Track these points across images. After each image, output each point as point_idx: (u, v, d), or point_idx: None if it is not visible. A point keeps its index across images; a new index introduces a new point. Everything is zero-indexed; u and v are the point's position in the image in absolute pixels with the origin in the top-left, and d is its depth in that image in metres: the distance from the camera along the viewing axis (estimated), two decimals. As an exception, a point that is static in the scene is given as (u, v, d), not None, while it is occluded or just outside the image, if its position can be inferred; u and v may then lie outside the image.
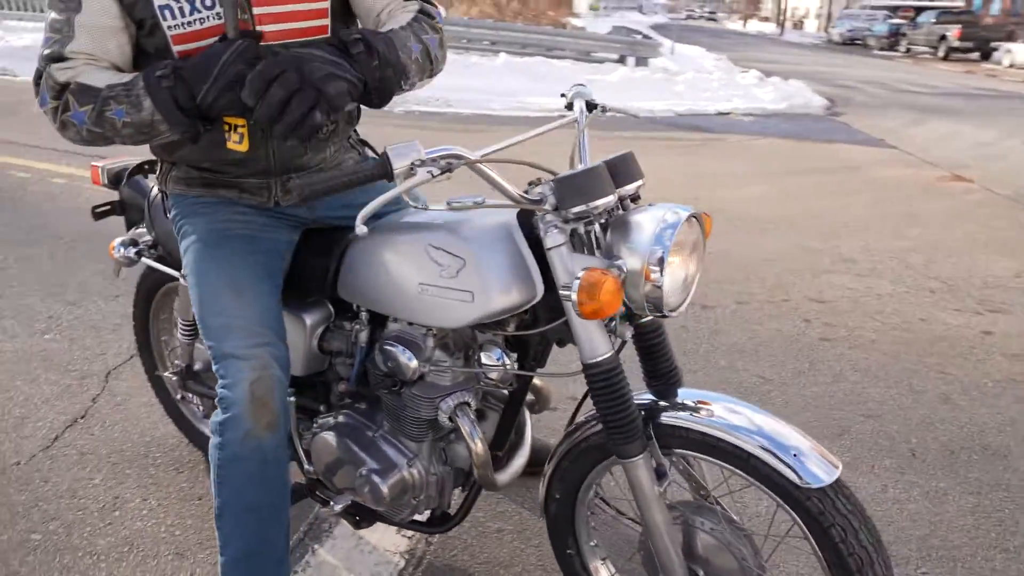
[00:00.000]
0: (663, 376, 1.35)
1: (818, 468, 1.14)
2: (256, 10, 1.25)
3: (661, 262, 1.11)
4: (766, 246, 4.34)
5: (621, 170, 1.21)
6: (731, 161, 6.86)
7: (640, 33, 17.83)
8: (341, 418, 1.56)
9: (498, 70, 10.39)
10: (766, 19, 58.32)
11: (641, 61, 13.23)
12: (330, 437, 1.53)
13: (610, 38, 14.03)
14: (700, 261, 1.23)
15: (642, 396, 1.33)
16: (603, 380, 1.21)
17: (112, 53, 1.24)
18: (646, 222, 1.15)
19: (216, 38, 1.18)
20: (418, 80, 1.28)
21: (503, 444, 1.51)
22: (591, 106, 1.48)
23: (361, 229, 0.99)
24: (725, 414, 1.23)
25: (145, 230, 1.89)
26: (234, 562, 1.35)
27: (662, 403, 1.30)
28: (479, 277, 1.26)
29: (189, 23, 1.23)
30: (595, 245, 1.18)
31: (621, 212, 1.20)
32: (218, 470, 1.31)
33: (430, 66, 1.30)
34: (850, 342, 3.09)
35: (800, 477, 1.12)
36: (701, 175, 6.14)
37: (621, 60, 13.17)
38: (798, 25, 52.27)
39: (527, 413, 1.66)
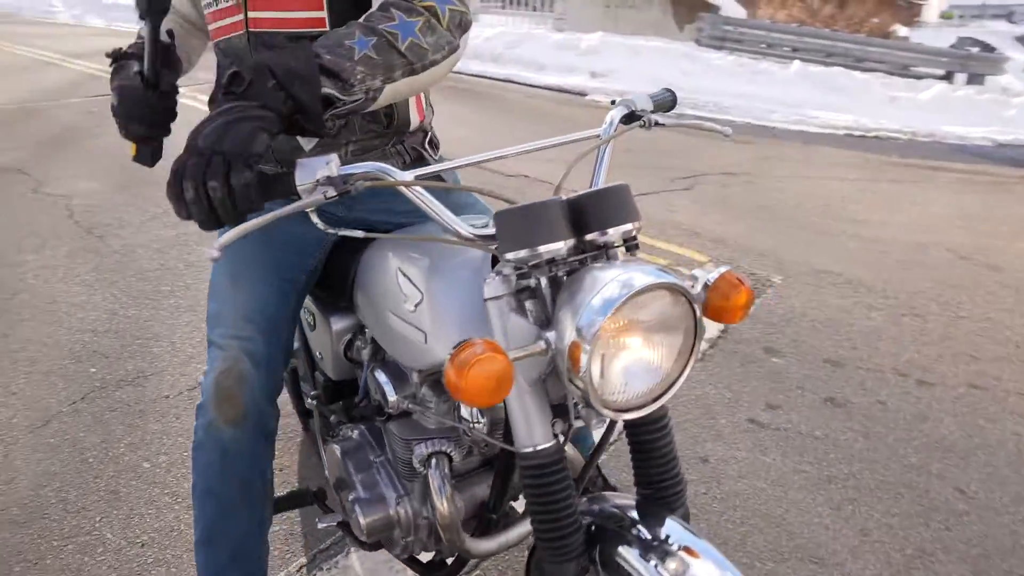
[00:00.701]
0: (653, 486, 1.04)
1: None
2: None
3: (594, 340, 0.84)
4: (1050, 322, 3.40)
5: (594, 209, 0.94)
6: (1052, 208, 5.52)
7: (984, 45, 15.18)
8: (354, 434, 1.48)
9: (789, 79, 9.54)
10: None
11: (975, 78, 11.24)
12: (336, 451, 1.46)
13: (935, 50, 12.13)
14: (689, 353, 0.93)
15: (605, 503, 1.05)
16: (534, 478, 0.97)
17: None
18: (598, 283, 0.88)
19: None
20: (384, 84, 1.03)
21: (498, 506, 1.31)
22: (632, 117, 1.20)
23: (211, 254, 0.87)
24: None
25: None
26: (198, 543, 1.36)
27: (626, 521, 1.01)
28: (432, 317, 1.09)
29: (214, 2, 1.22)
30: (547, 306, 0.94)
31: (586, 265, 0.94)
32: (192, 450, 1.32)
33: (405, 58, 1.04)
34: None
35: None
36: (1000, 219, 5.02)
37: (947, 77, 11.35)
38: None
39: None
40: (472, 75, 9.53)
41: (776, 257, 3.78)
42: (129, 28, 13.94)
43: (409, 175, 1.01)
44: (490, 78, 9.36)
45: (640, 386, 0.91)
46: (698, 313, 0.92)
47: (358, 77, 0.99)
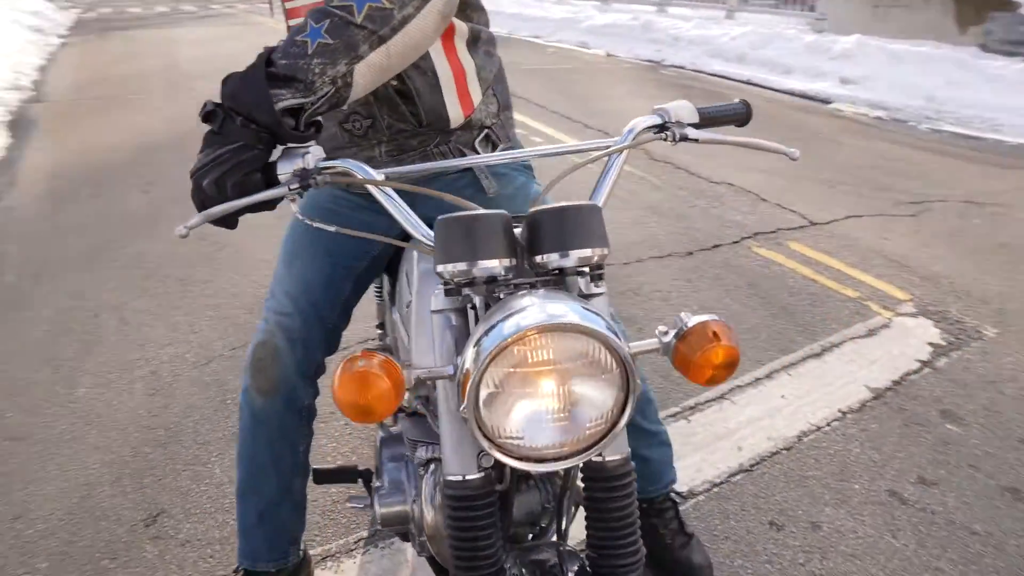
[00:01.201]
0: (600, 550, 0.92)
1: None
2: None
3: (480, 374, 0.75)
4: None
5: (551, 228, 0.84)
6: None
7: None
8: (399, 424, 1.49)
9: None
10: None
11: None
12: (377, 437, 1.48)
13: None
14: (621, 410, 0.80)
15: (541, 555, 0.94)
16: (453, 509, 0.90)
17: None
18: (505, 312, 0.78)
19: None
20: (367, 50, 0.97)
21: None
22: (660, 127, 1.04)
23: (179, 231, 0.92)
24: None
25: None
26: (236, 495, 1.47)
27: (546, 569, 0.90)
28: (415, 321, 1.06)
29: None
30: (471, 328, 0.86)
31: (525, 290, 0.84)
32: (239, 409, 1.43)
33: (365, 29, 0.96)
34: None
35: None
36: None
37: None
38: None
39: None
40: (710, 74, 9.13)
41: (999, 306, 3.17)
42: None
43: (380, 175, 0.99)
44: (729, 79, 8.90)
45: (548, 436, 0.80)
46: (630, 366, 0.78)
47: (316, 71, 0.94)
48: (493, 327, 0.77)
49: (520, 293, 0.83)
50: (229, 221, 0.99)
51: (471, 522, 0.89)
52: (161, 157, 5.30)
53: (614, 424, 0.81)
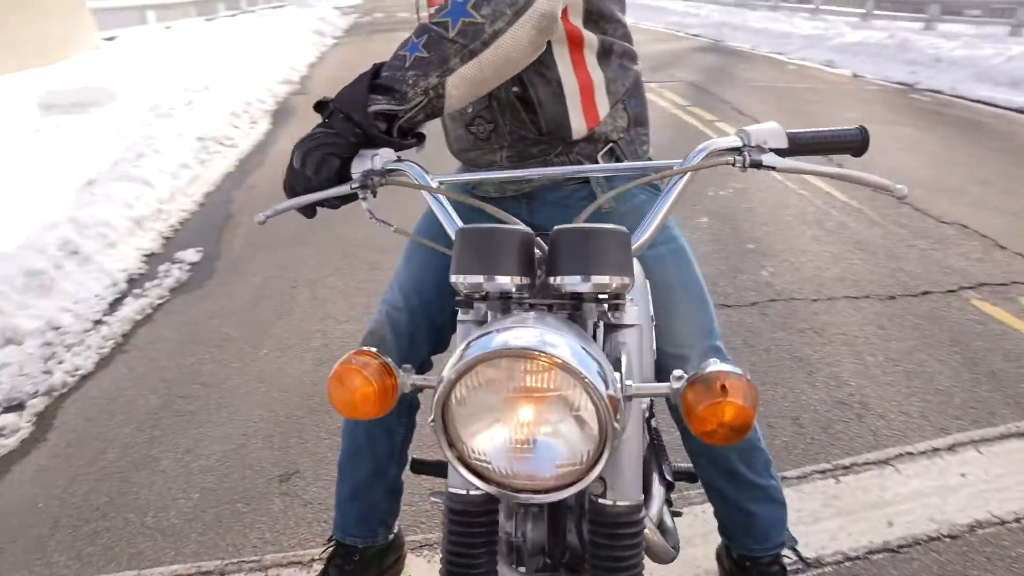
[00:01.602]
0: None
1: None
2: None
3: (445, 388, 0.73)
4: None
5: (569, 249, 0.81)
6: None
7: None
8: None
9: None
10: None
11: None
12: None
13: None
14: (599, 453, 0.74)
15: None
16: (453, 523, 0.89)
17: None
18: (484, 330, 0.76)
19: None
20: (459, 63, 1.01)
21: (553, 548, 1.20)
22: (737, 150, 0.94)
23: (258, 217, 1.01)
24: None
25: None
26: (338, 466, 1.57)
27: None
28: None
29: None
30: None
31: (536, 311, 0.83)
32: None
33: (456, 43, 1.01)
34: None
35: None
36: None
37: None
38: None
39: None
40: (973, 101, 8.05)
41: None
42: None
43: (436, 181, 1.01)
44: (997, 106, 7.79)
45: (512, 466, 0.77)
46: (604, 409, 0.72)
47: (410, 82, 1.00)
48: (471, 344, 0.75)
49: (523, 315, 0.79)
50: (307, 211, 1.07)
51: (467, 538, 0.88)
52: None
53: (592, 467, 0.75)
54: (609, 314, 0.84)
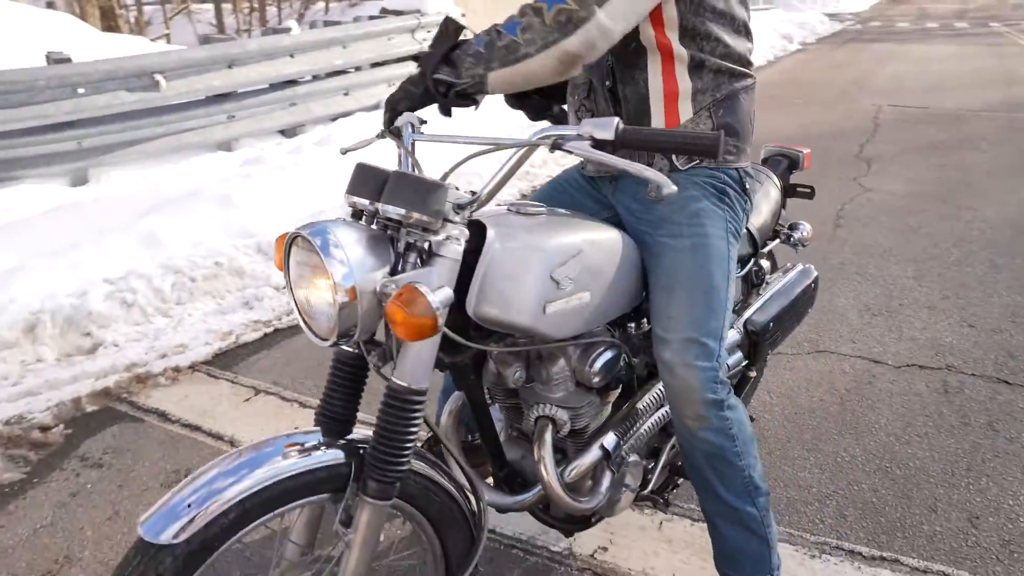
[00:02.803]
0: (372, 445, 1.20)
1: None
2: None
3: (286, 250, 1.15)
4: None
5: (392, 186, 1.12)
6: None
7: None
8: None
9: None
10: None
11: None
12: None
13: None
14: (323, 301, 1.08)
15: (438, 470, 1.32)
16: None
17: None
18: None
19: None
20: (486, 72, 1.28)
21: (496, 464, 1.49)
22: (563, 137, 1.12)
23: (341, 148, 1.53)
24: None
25: None
26: None
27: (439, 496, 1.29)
28: None
29: None
30: None
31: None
32: None
33: (503, 54, 1.27)
34: None
35: None
36: None
37: None
38: None
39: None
40: None
41: None
42: None
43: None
44: None
45: (311, 318, 1.14)
46: (333, 289, 1.06)
47: (466, 66, 1.30)
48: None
49: (347, 220, 1.12)
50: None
51: (334, 381, 1.22)
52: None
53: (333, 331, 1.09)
54: (420, 243, 1.11)
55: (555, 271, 1.25)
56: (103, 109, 4.98)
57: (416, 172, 1.25)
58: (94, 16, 10.77)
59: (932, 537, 1.92)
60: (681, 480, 1.79)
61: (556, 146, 1.11)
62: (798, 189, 2.27)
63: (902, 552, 1.88)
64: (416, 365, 1.14)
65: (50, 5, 11.55)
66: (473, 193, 1.16)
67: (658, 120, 1.44)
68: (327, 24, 7.06)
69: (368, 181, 1.14)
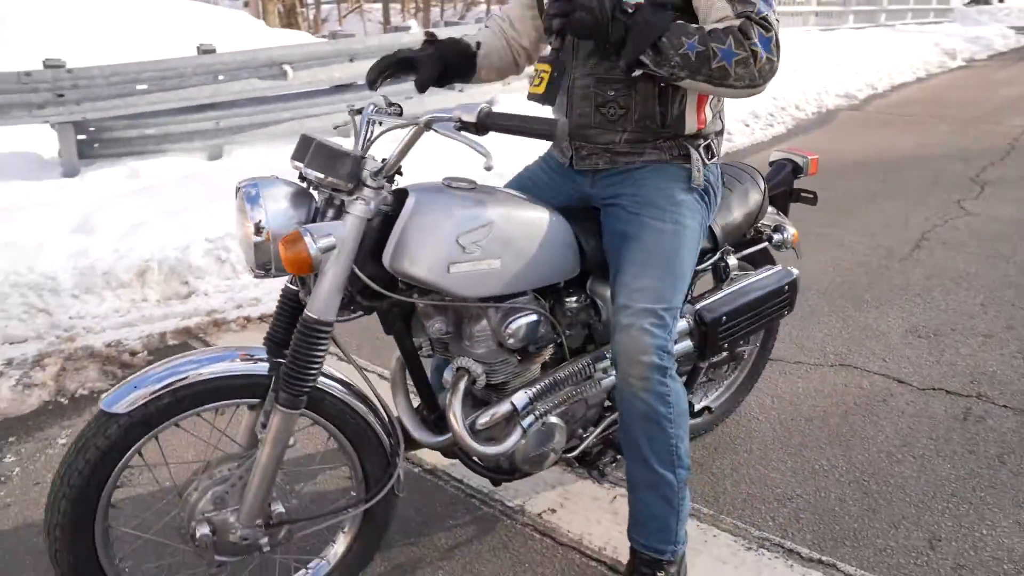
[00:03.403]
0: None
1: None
2: None
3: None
4: None
5: (313, 153, 1.38)
6: None
7: None
8: None
9: None
10: None
11: None
12: None
13: None
14: (246, 238, 1.35)
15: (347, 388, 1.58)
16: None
17: None
18: None
19: None
20: (686, 77, 1.39)
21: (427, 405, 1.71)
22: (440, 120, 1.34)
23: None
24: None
25: None
26: None
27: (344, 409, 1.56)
28: None
29: None
30: None
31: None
32: None
33: (713, 74, 1.38)
34: None
35: None
36: None
37: None
38: None
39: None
40: None
41: None
42: None
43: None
44: None
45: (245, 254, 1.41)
46: (250, 230, 1.33)
47: (671, 64, 1.39)
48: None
49: (281, 178, 1.39)
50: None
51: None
52: (839, 178, 5.57)
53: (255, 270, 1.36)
54: (335, 201, 1.35)
55: (461, 237, 1.44)
56: (238, 94, 5.60)
57: (360, 147, 1.43)
58: (273, 14, 11.88)
59: (882, 551, 1.91)
60: (620, 457, 1.91)
61: (427, 126, 1.32)
62: (802, 194, 2.32)
63: (843, 559, 1.87)
64: (324, 301, 1.38)
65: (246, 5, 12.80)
66: (384, 161, 1.39)
67: (691, 120, 1.61)
68: (447, 25, 7.49)
69: (303, 148, 1.40)
